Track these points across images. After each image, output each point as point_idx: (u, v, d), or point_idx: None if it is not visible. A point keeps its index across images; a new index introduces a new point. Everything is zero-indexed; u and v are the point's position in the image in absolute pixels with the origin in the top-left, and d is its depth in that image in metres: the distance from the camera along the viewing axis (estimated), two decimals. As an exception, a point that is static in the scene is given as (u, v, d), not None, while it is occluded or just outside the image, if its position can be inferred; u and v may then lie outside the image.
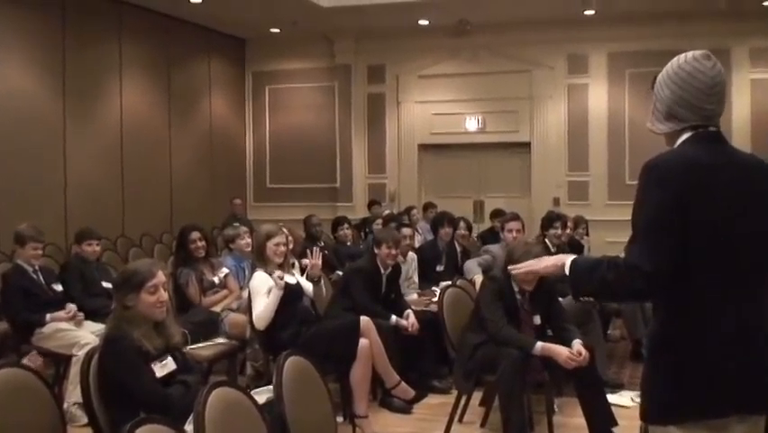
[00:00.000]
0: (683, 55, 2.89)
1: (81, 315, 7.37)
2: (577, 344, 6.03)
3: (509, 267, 3.96)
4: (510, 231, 8.62)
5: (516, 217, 8.86)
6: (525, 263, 3.25)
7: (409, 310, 7.60)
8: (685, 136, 2.88)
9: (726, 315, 2.73)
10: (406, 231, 9.49)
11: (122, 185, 13.95)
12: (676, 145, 2.89)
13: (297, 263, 7.60)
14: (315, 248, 7.47)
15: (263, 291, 6.60)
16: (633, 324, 8.62)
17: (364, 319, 6.77)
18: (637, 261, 2.69)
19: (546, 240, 8.76)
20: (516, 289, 6.30)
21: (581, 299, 2.99)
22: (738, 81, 15.01)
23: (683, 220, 2.67)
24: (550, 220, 8.97)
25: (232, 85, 17.72)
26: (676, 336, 2.77)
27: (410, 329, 7.37)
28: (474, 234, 12.99)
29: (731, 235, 2.74)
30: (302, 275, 7.31)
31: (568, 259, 2.94)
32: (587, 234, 12.07)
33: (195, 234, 8.06)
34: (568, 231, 9.87)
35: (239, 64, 17.95)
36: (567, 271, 2.91)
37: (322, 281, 7.32)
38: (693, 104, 2.84)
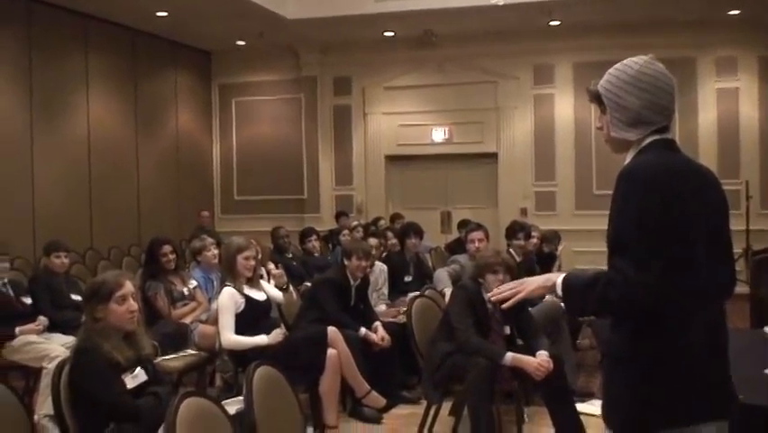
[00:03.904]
0: (632, 62, 2.90)
1: (46, 320, 7.39)
2: (541, 354, 6.05)
3: (490, 295, 3.84)
4: (473, 241, 8.64)
5: (478, 228, 8.85)
6: (506, 287, 3.03)
7: (378, 323, 7.57)
8: (648, 141, 2.87)
9: (695, 324, 2.75)
10: (373, 241, 9.53)
11: (89, 198, 13.90)
12: (639, 150, 2.88)
13: (265, 273, 7.61)
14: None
15: (230, 309, 6.59)
16: (602, 332, 8.64)
17: (331, 330, 6.79)
18: (640, 276, 2.61)
19: (511, 250, 8.75)
20: (486, 297, 6.28)
21: (579, 318, 2.93)
22: (704, 91, 15.20)
23: (669, 227, 2.65)
24: (513, 231, 8.97)
25: (198, 97, 17.67)
26: (647, 347, 2.75)
27: (380, 343, 7.34)
28: (442, 245, 13.07)
29: (699, 245, 2.74)
30: (269, 281, 7.33)
31: (558, 278, 2.84)
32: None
33: (166, 248, 8.03)
34: (534, 241, 9.91)
35: (205, 77, 17.91)
36: (560, 291, 2.83)
37: (290, 287, 7.36)
38: (662, 105, 2.85)
